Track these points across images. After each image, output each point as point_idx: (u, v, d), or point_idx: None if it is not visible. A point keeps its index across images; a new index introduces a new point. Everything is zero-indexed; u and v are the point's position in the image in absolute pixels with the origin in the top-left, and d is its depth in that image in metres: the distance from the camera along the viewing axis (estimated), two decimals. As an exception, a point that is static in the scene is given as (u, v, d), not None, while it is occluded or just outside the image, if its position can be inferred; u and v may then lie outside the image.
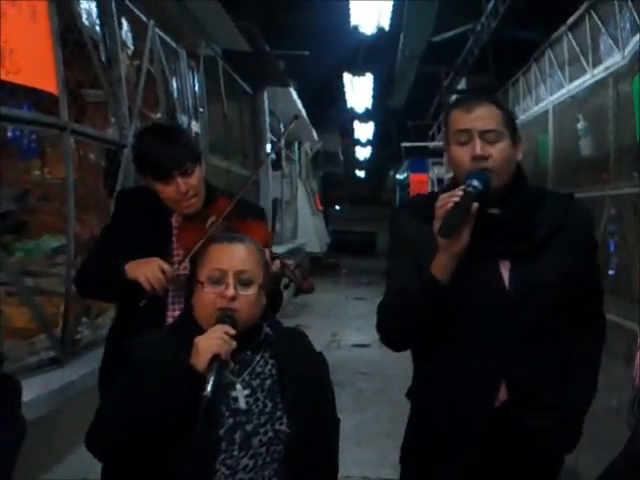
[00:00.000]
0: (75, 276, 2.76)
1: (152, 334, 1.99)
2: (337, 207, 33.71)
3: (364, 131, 22.32)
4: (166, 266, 2.38)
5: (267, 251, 2.33)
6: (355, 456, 4.76)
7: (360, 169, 33.02)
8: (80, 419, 2.95)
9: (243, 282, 1.81)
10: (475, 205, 1.87)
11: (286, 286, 2.44)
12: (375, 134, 23.25)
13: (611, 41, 5.11)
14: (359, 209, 33.70)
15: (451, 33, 9.82)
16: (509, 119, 2.01)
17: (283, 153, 13.12)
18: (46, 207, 3.79)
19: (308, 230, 16.16)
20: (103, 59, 4.09)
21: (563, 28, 6.33)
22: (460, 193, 1.87)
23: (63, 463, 3.13)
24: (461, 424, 2.02)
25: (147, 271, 2.35)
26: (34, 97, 3.42)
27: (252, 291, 1.82)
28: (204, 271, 1.83)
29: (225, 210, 2.49)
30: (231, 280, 1.80)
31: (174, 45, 5.56)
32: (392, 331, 2.11)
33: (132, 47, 4.79)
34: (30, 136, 4.05)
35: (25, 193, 3.91)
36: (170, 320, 2.41)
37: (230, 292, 1.78)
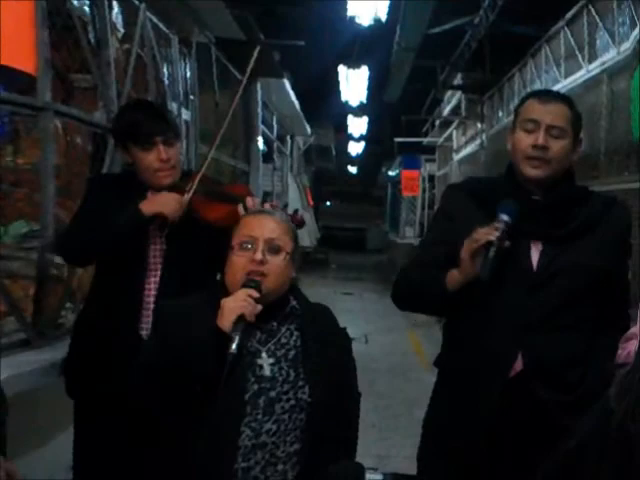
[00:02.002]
0: (64, 240, 2.72)
1: (186, 299, 2.16)
2: (328, 203, 33.66)
3: (358, 126, 22.27)
4: (178, 197, 2.48)
5: (257, 199, 2.43)
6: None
7: (352, 165, 33.01)
8: (59, 402, 2.92)
9: (272, 249, 1.93)
10: (507, 244, 2.02)
11: None
12: (368, 129, 23.21)
13: (608, 37, 5.09)
14: (350, 205, 33.69)
15: (448, 26, 9.75)
16: (577, 122, 2.17)
17: (275, 146, 13.06)
18: (18, 193, 3.73)
19: (298, 224, 16.10)
20: (92, 41, 4.03)
21: (561, 23, 6.32)
22: (497, 234, 2.01)
23: (39, 451, 3.08)
24: (478, 391, 2.12)
25: (167, 203, 2.45)
26: (10, 79, 3.35)
27: (281, 257, 1.93)
28: (236, 238, 1.95)
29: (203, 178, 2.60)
30: (261, 245, 1.91)
31: (166, 30, 5.48)
32: (403, 302, 2.32)
33: (122, 30, 4.71)
34: (3, 119, 3.99)
35: (-4, 179, 3.85)
36: (146, 300, 2.50)
37: (259, 256, 1.89)
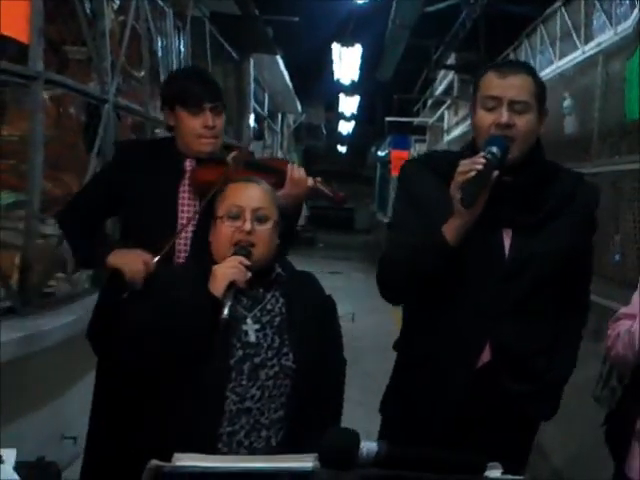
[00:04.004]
0: (61, 215, 2.75)
1: (173, 267, 2.20)
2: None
3: (349, 105, 22.18)
4: (148, 257, 2.38)
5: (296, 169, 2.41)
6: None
7: (342, 144, 32.87)
8: (51, 370, 2.91)
9: (259, 218, 1.94)
10: (495, 173, 1.87)
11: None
12: (360, 108, 23.13)
13: (605, 17, 5.08)
14: (339, 185, 33.50)
15: (444, 4, 9.66)
16: (541, 91, 2.01)
17: (266, 123, 13.01)
18: (4, 164, 3.71)
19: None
20: (88, 12, 4.00)
21: (558, 3, 6.28)
22: (482, 161, 1.86)
23: (28, 420, 3.09)
24: (443, 380, 2.05)
25: (130, 262, 2.38)
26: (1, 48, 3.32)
27: (267, 227, 1.95)
28: (222, 207, 1.96)
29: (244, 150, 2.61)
30: (248, 215, 1.92)
31: (161, 3, 5.46)
32: (394, 285, 2.12)
33: (117, 2, 4.68)
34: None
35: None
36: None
37: (247, 226, 1.91)
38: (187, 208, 2.51)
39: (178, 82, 2.62)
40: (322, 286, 2.12)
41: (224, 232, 1.93)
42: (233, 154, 2.51)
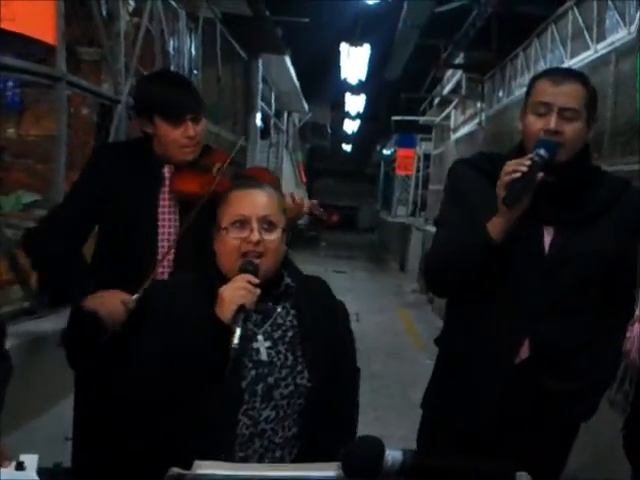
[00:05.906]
0: (28, 235, 2.63)
1: (176, 280, 2.04)
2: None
3: (355, 104, 22.18)
4: (126, 297, 2.32)
5: (294, 194, 2.40)
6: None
7: (347, 143, 32.90)
8: (58, 372, 2.91)
9: (266, 226, 1.82)
10: (540, 175, 1.94)
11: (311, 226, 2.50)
12: (366, 107, 23.14)
13: (618, 16, 5.08)
14: (342, 183, 33.59)
15: (456, 4, 9.63)
16: (591, 100, 2.06)
17: (272, 122, 13.02)
18: (19, 164, 3.73)
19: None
20: (104, 13, 4.03)
21: (570, 2, 6.27)
22: (528, 163, 1.94)
23: (40, 419, 3.10)
24: (482, 375, 2.09)
25: (107, 305, 2.31)
26: (24, 49, 3.34)
27: (276, 235, 1.83)
28: (226, 217, 1.82)
29: (227, 157, 2.50)
30: (255, 225, 1.80)
31: (174, 4, 5.50)
32: (443, 279, 2.20)
33: (133, 4, 4.71)
34: (14, 90, 3.98)
35: (0, 150, 3.84)
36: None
37: (255, 237, 1.78)
38: (168, 223, 2.45)
39: (156, 90, 2.49)
40: (332, 291, 2.03)
41: (230, 243, 1.80)
42: (218, 165, 2.45)
